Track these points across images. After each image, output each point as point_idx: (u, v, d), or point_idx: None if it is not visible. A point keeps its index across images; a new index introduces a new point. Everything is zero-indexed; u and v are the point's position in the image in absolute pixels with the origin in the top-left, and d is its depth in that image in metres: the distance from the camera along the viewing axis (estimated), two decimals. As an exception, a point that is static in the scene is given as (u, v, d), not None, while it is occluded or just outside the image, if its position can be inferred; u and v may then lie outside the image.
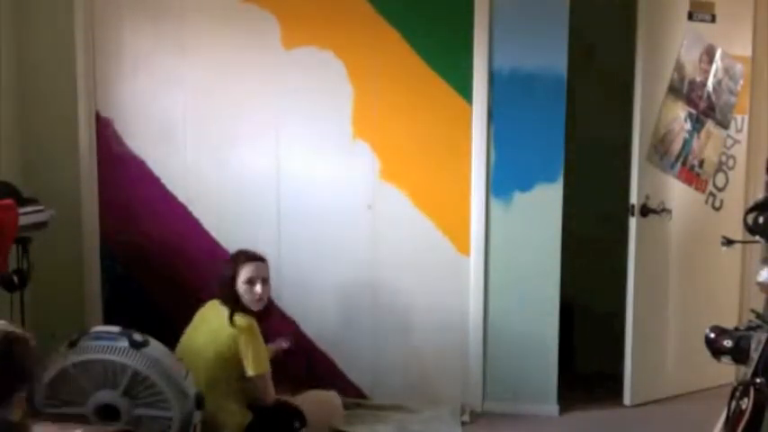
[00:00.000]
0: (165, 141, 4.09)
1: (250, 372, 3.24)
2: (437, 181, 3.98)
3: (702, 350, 2.62)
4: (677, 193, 4.20)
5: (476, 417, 3.97)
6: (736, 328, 2.62)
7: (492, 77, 3.89)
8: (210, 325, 3.34)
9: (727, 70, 4.27)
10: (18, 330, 2.08)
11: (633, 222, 4.06)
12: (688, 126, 4.20)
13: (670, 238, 4.20)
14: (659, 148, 4.12)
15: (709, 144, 4.28)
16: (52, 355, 3.05)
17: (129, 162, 4.12)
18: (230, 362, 3.26)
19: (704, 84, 4.22)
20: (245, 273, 3.36)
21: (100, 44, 4.08)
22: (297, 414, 3.36)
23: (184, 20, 4.03)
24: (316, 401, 3.52)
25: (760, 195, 4.07)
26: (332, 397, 3.65)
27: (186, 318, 4.06)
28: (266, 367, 3.30)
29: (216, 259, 4.08)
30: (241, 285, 3.34)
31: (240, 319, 3.28)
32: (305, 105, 4.00)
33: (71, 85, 4.07)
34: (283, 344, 3.68)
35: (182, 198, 4.11)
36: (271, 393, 3.32)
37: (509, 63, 3.88)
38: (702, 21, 4.17)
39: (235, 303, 3.32)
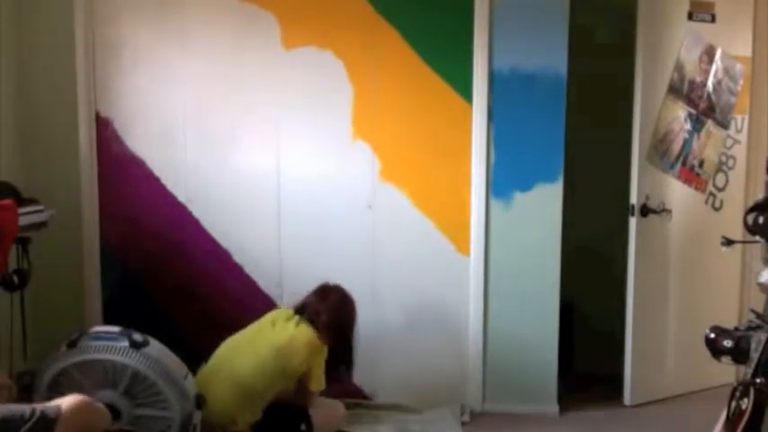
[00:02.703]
0: (165, 141, 4.09)
1: (315, 387, 3.41)
2: (437, 181, 3.98)
3: (702, 350, 2.62)
4: (677, 193, 4.20)
5: (476, 417, 3.97)
6: (736, 328, 2.62)
7: (492, 77, 3.89)
8: (278, 337, 3.38)
9: (727, 70, 4.27)
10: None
11: (633, 222, 4.06)
12: (688, 126, 4.20)
13: (670, 238, 4.20)
14: (659, 148, 4.12)
15: (710, 144, 4.28)
16: (52, 354, 3.05)
17: (129, 162, 4.12)
18: (291, 375, 3.36)
19: (704, 84, 4.22)
20: None
21: (100, 44, 4.08)
22: (304, 416, 3.37)
23: (184, 20, 4.03)
24: (321, 409, 3.53)
25: (760, 195, 4.07)
26: (337, 406, 3.66)
27: (186, 318, 4.08)
28: (323, 385, 3.46)
29: (216, 259, 4.10)
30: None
31: (317, 342, 3.40)
32: (305, 105, 4.00)
33: (71, 85, 4.07)
34: None
35: (182, 198, 4.11)
36: (315, 404, 3.48)
37: (509, 63, 3.88)
38: (702, 21, 4.17)
39: (326, 333, 3.44)
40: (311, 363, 3.37)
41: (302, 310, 3.49)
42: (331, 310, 3.48)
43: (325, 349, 3.42)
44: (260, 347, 3.35)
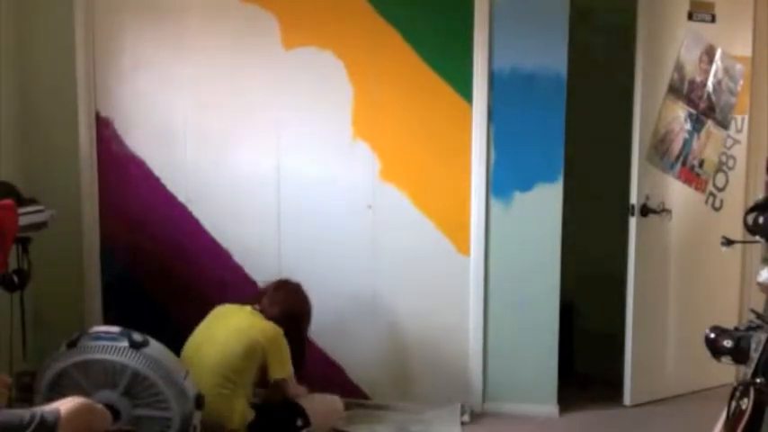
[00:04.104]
0: (165, 141, 4.09)
1: (277, 375, 3.36)
2: (437, 181, 3.98)
3: (702, 350, 2.62)
4: (677, 193, 4.20)
5: (476, 417, 3.97)
6: (736, 328, 2.61)
7: (492, 77, 3.89)
8: (237, 324, 3.39)
9: (727, 70, 4.27)
10: None
11: (633, 222, 4.06)
12: (688, 126, 4.20)
13: (670, 238, 4.20)
14: (659, 148, 4.12)
15: (710, 144, 4.28)
16: (52, 354, 3.05)
17: (129, 162, 4.12)
18: (253, 364, 3.33)
19: (704, 84, 4.22)
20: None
21: (100, 44, 4.08)
22: (300, 413, 3.37)
23: (185, 20, 4.03)
24: (319, 404, 3.53)
25: (760, 195, 4.08)
26: (335, 401, 3.66)
27: (186, 318, 4.07)
28: (290, 370, 3.42)
29: (216, 259, 4.10)
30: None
31: (273, 327, 3.38)
32: (305, 105, 4.00)
33: (71, 85, 4.08)
34: None
35: (182, 198, 4.11)
36: (298, 391, 3.46)
37: (509, 63, 3.88)
38: (702, 21, 4.17)
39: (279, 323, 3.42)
40: (269, 349, 3.33)
41: (256, 301, 3.53)
42: (282, 302, 3.50)
43: (282, 334, 3.39)
44: (219, 335, 3.36)
